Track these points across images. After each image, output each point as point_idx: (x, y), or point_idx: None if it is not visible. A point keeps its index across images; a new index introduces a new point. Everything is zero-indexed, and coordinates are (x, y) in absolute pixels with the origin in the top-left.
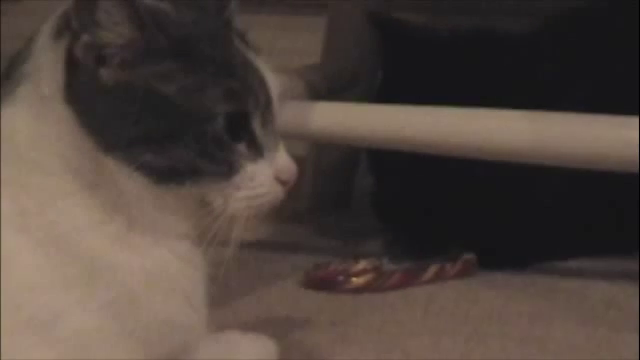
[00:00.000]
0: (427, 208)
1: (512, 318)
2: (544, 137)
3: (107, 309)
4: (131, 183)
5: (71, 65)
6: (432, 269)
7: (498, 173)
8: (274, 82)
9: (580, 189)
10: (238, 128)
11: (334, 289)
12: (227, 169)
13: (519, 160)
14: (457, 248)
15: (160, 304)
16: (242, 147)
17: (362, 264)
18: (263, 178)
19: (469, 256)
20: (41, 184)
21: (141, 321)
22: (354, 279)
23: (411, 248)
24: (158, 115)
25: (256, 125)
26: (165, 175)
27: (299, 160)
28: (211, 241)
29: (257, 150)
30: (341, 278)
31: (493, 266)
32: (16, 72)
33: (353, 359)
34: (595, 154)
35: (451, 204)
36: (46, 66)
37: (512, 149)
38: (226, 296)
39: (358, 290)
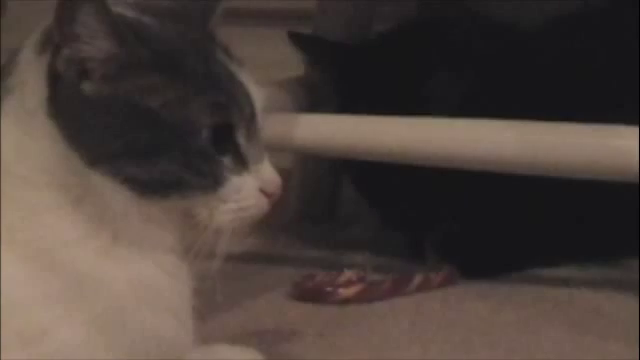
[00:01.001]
0: (409, 216)
1: (499, 327)
2: (522, 146)
3: (93, 324)
4: (116, 196)
5: (54, 79)
6: (417, 279)
7: (478, 180)
8: (258, 95)
9: (561, 197)
10: (223, 141)
11: (322, 300)
12: (212, 182)
13: (500, 170)
14: (438, 257)
15: (146, 318)
16: (227, 160)
17: (348, 275)
18: (248, 191)
19: (451, 265)
20: (26, 198)
21: (127, 335)
22: (342, 290)
23: (396, 255)
24: (142, 128)
25: (241, 138)
26: (150, 188)
27: (284, 172)
28: (197, 254)
29: (242, 163)
30: (329, 289)
31: (475, 275)
32: (1, 86)
33: None
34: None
35: (433, 213)
36: (30, 80)
37: (496, 159)
38: (213, 309)
39: (347, 301)
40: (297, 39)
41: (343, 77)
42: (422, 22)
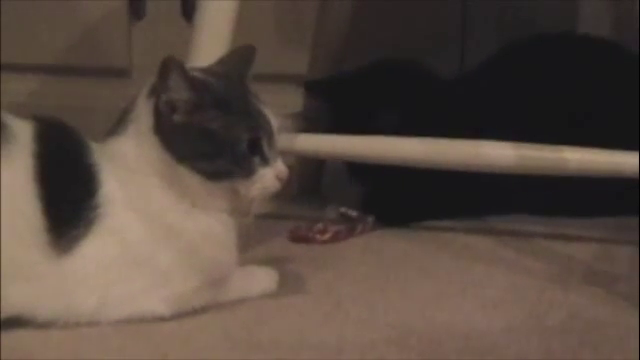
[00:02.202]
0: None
1: (421, 257)
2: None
3: (181, 253)
4: (193, 180)
5: (157, 113)
6: (359, 227)
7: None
8: (275, 121)
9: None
10: (254, 148)
11: (308, 242)
12: (248, 172)
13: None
14: (366, 212)
15: (210, 251)
16: (257, 159)
17: (319, 225)
18: (269, 177)
19: (371, 218)
20: (141, 181)
21: (199, 261)
22: (318, 236)
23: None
24: (208, 141)
25: (265, 146)
26: (213, 175)
27: (289, 166)
28: (238, 213)
29: (265, 160)
30: (310, 235)
31: (390, 224)
32: (125, 118)
33: (324, 278)
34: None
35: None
36: (143, 114)
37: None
38: (247, 245)
39: (324, 242)
40: (311, 84)
41: (332, 105)
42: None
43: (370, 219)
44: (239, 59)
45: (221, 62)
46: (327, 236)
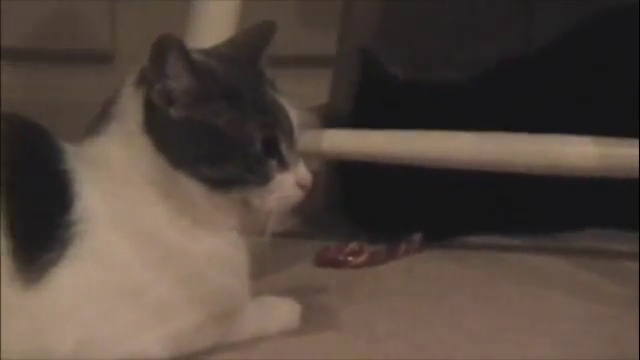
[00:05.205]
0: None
1: (464, 280)
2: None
3: (179, 282)
4: (195, 190)
5: (148, 106)
6: (402, 248)
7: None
8: (295, 116)
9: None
10: (270, 149)
11: (338, 266)
12: (263, 179)
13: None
14: (407, 230)
15: (217, 278)
16: (273, 163)
17: (352, 246)
18: (288, 184)
19: (417, 236)
20: (130, 194)
21: (203, 291)
22: (351, 258)
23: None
24: (212, 141)
25: (283, 146)
26: (219, 184)
27: (314, 172)
28: (252, 231)
29: (284, 164)
30: (341, 258)
31: (435, 241)
32: (108, 113)
33: (359, 311)
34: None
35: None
36: (130, 108)
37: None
38: (262, 271)
39: (357, 267)
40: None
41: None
42: None
43: (416, 237)
44: (253, 38)
45: (231, 42)
46: (362, 259)
